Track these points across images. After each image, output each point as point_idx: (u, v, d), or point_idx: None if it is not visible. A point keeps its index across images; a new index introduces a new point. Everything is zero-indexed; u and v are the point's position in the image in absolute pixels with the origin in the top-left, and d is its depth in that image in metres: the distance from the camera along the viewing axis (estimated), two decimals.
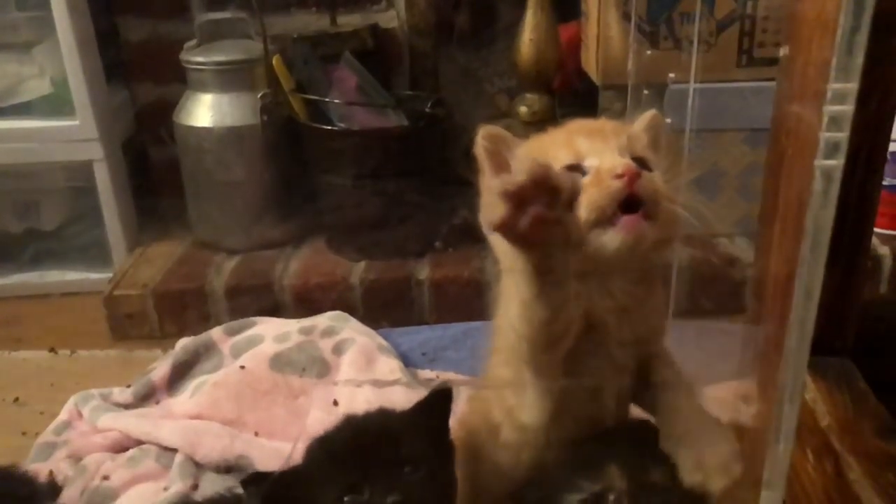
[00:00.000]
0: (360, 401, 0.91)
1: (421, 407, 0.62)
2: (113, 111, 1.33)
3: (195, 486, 0.81)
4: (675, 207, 0.55)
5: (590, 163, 0.54)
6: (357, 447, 0.57)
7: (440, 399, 0.62)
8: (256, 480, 0.58)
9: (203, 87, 1.26)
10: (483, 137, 0.58)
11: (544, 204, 0.46)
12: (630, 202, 0.52)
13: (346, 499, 0.55)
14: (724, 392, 0.87)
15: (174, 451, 0.85)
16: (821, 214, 0.39)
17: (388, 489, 0.54)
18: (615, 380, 0.58)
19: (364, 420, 0.61)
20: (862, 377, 0.73)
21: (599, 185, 0.52)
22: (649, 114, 0.61)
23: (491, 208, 0.47)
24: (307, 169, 1.26)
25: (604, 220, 0.52)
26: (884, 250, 1.16)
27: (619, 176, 0.52)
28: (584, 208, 0.52)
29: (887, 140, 0.70)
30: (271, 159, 1.26)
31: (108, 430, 0.89)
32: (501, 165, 0.58)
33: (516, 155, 0.58)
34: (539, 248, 0.49)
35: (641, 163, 0.55)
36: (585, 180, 0.53)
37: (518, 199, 0.45)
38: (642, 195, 0.52)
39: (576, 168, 0.54)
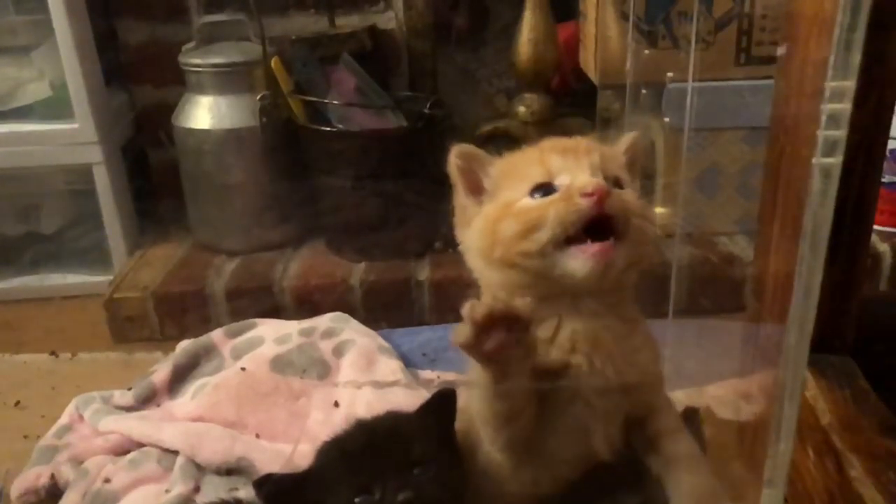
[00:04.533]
0: (361, 402, 0.91)
1: (426, 408, 0.63)
2: (112, 114, 1.33)
3: (197, 489, 0.81)
4: (647, 224, 0.55)
5: (561, 181, 0.54)
6: (366, 449, 0.58)
7: (444, 400, 0.62)
8: (268, 482, 0.58)
9: (202, 90, 1.26)
10: (456, 156, 0.58)
11: (506, 329, 0.48)
12: (600, 224, 0.52)
13: (357, 500, 0.55)
14: (725, 390, 0.87)
15: (175, 453, 0.85)
16: (820, 212, 0.40)
17: (398, 489, 0.54)
18: (599, 428, 0.56)
19: (373, 423, 0.62)
20: (862, 375, 0.73)
21: (568, 201, 0.52)
22: (631, 135, 0.61)
23: (458, 329, 0.49)
24: (306, 170, 1.26)
25: (570, 236, 0.52)
26: (883, 247, 1.16)
27: (589, 195, 0.52)
28: (550, 223, 0.52)
29: (886, 137, 0.70)
30: (270, 161, 1.26)
31: (110, 432, 0.89)
32: (475, 183, 0.59)
33: (489, 173, 0.59)
34: (498, 364, 0.51)
35: (614, 182, 0.55)
36: (554, 196, 0.54)
37: (482, 325, 0.48)
38: (611, 213, 0.52)
39: (547, 186, 0.55)
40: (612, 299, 0.57)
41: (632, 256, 0.54)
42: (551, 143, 0.59)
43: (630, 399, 0.57)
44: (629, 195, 0.55)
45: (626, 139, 0.61)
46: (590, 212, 0.52)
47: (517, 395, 0.53)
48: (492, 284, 0.58)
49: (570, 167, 0.55)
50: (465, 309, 0.47)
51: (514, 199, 0.55)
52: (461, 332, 0.48)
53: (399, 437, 0.59)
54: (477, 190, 0.59)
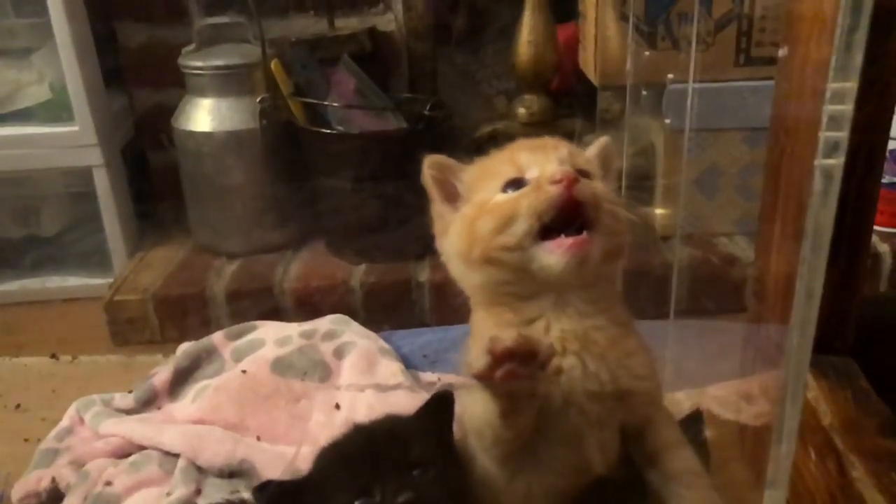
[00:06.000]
0: (362, 404, 0.91)
1: (424, 411, 0.63)
2: (112, 116, 1.33)
3: (198, 492, 0.81)
4: (619, 210, 0.56)
5: (531, 174, 0.56)
6: (366, 452, 0.58)
7: (442, 402, 0.63)
8: (268, 488, 0.58)
9: (202, 92, 1.26)
10: (429, 167, 0.61)
11: (520, 362, 0.48)
12: (571, 213, 0.53)
13: (357, 503, 0.55)
14: (726, 391, 0.87)
15: (177, 456, 0.85)
16: (821, 213, 0.40)
17: (398, 490, 0.54)
18: (593, 435, 0.56)
19: (372, 426, 0.62)
20: (863, 375, 0.73)
21: (538, 190, 0.54)
22: (603, 139, 0.62)
23: (475, 360, 0.49)
24: (306, 172, 1.26)
25: (546, 230, 0.53)
26: (883, 248, 1.16)
27: (557, 181, 0.53)
28: (524, 214, 0.53)
29: (886, 138, 0.70)
30: (270, 163, 1.26)
31: (111, 435, 0.89)
32: (449, 191, 0.61)
33: (462, 179, 0.60)
34: (508, 396, 0.51)
35: (583, 174, 0.56)
36: (526, 189, 0.55)
37: (500, 359, 0.48)
38: (581, 199, 0.53)
39: (518, 181, 0.56)
40: (595, 295, 0.57)
41: (607, 246, 0.55)
42: (520, 143, 0.61)
43: (625, 407, 0.57)
44: (599, 184, 0.57)
45: (598, 143, 0.62)
46: (560, 197, 0.53)
47: (524, 425, 0.54)
48: (475, 288, 0.59)
49: (539, 161, 0.56)
50: (486, 342, 0.48)
51: (489, 198, 0.57)
52: (478, 363, 0.48)
53: (398, 439, 0.59)
54: (452, 197, 0.61)
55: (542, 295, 0.56)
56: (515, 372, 0.48)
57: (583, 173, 0.56)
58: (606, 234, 0.55)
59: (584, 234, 0.53)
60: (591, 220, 0.54)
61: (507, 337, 0.47)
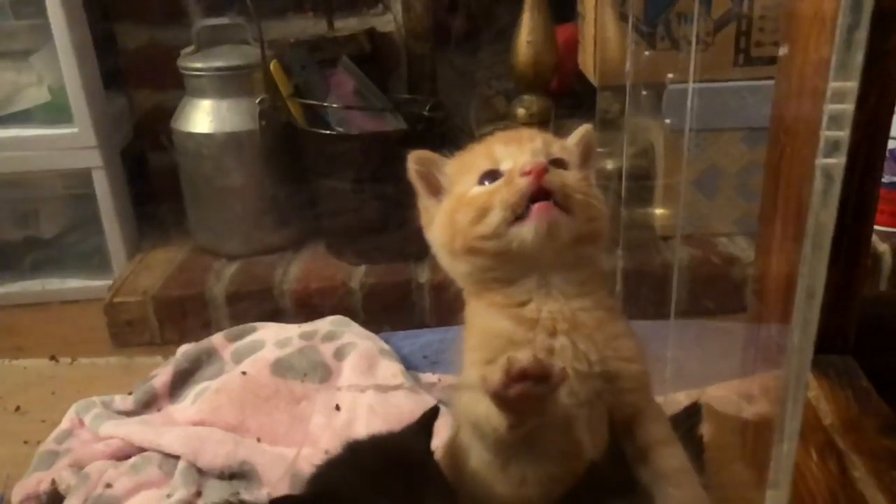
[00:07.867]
0: (363, 405, 0.91)
1: (421, 426, 0.63)
2: (111, 118, 1.33)
3: (198, 493, 0.81)
4: (591, 200, 0.58)
5: (505, 166, 0.58)
6: (374, 471, 0.57)
7: (434, 418, 0.63)
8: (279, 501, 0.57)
9: (201, 94, 1.25)
10: (413, 162, 0.63)
11: (534, 382, 0.50)
12: (540, 196, 0.55)
13: None
14: (726, 391, 0.87)
15: (177, 458, 0.85)
16: (822, 213, 0.40)
17: None
18: (583, 416, 0.57)
19: (376, 443, 0.62)
20: (864, 374, 0.73)
21: (510, 184, 0.56)
22: (583, 128, 0.64)
23: (490, 377, 0.50)
24: (306, 173, 1.26)
25: (518, 216, 0.55)
26: (883, 247, 1.16)
27: (527, 173, 0.55)
28: (497, 207, 0.56)
29: (886, 137, 0.70)
30: (270, 164, 1.26)
31: (110, 437, 0.89)
32: (433, 185, 0.63)
33: (445, 172, 0.63)
34: (517, 413, 0.52)
35: (558, 163, 0.58)
36: (500, 182, 0.57)
37: (514, 378, 0.49)
38: (550, 188, 0.55)
39: (493, 173, 0.58)
40: (578, 278, 0.58)
41: (580, 229, 0.57)
42: (497, 136, 0.62)
43: (614, 390, 0.58)
44: (571, 175, 0.58)
45: (578, 132, 0.63)
46: (529, 188, 0.55)
47: (527, 430, 0.55)
48: (463, 276, 0.61)
49: (513, 153, 0.58)
50: (503, 361, 0.49)
51: (466, 190, 0.59)
52: (492, 381, 0.50)
53: (405, 455, 0.59)
54: (436, 190, 0.63)
55: (527, 277, 0.58)
56: (528, 391, 0.49)
57: (558, 163, 0.58)
58: (580, 219, 0.56)
59: (550, 201, 0.55)
60: (562, 207, 0.56)
61: (523, 357, 0.49)
